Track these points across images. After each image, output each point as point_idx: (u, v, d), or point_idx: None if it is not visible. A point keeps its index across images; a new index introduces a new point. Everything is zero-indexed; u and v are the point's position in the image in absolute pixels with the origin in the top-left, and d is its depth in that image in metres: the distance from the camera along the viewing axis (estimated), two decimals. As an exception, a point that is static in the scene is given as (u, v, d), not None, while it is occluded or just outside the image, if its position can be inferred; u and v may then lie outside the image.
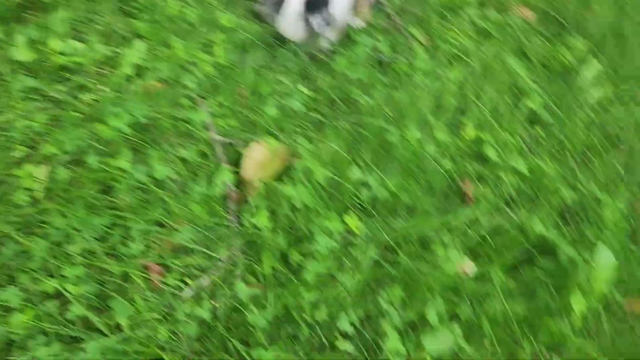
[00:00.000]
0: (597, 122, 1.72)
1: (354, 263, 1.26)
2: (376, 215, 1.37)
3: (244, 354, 1.13)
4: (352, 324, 1.19)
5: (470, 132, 1.61)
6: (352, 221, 1.33)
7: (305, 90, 1.62)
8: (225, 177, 1.37)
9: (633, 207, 1.53)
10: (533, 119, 1.72)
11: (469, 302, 1.26)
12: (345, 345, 1.18)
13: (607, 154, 1.64)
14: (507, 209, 1.43)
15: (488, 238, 1.36)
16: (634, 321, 1.35)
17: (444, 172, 1.51)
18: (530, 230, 1.37)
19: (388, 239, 1.32)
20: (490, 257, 1.33)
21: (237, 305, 1.19)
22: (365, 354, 1.17)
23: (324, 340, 1.18)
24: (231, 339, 1.14)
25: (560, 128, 1.69)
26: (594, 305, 1.25)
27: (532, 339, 1.23)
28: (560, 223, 1.44)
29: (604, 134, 1.71)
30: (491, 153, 1.57)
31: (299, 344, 1.17)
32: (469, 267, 1.30)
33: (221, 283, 1.23)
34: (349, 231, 1.32)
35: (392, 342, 1.16)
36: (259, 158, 1.40)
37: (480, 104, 1.68)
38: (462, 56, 1.80)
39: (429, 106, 1.65)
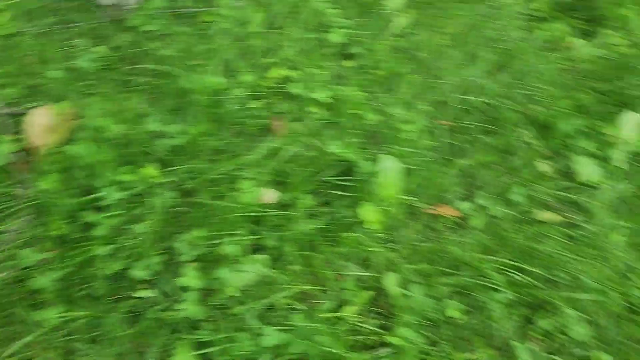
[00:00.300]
0: (402, 47, 1.81)
1: (151, 211, 1.26)
2: (176, 163, 1.36)
3: (28, 317, 1.10)
4: (151, 270, 1.19)
5: (277, 72, 1.64)
6: (150, 171, 1.31)
7: (101, 50, 1.57)
8: (6, 148, 1.30)
9: (434, 123, 1.64)
10: (343, 53, 1.77)
11: (273, 230, 1.30)
12: (145, 293, 1.17)
13: (411, 76, 1.73)
14: (312, 138, 1.48)
15: (292, 166, 1.40)
16: (436, 224, 1.45)
17: (252, 113, 1.53)
18: (332, 153, 1.43)
19: (188, 183, 1.33)
20: (294, 184, 1.37)
21: (25, 272, 1.15)
22: (167, 297, 1.18)
23: (123, 291, 1.17)
24: (15, 307, 1.10)
25: (368, 57, 1.76)
26: (387, 213, 1.33)
27: (335, 254, 1.30)
28: (363, 144, 1.51)
29: (409, 58, 1.80)
30: (297, 89, 1.60)
31: (95, 299, 1.15)
32: (271, 195, 1.33)
33: (8, 255, 1.18)
34: (146, 181, 1.30)
35: (190, 280, 1.17)
36: (44, 123, 1.34)
37: (286, 45, 1.71)
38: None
39: (234, 51, 1.66)
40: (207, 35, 1.66)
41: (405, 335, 1.21)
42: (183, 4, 1.75)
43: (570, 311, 1.31)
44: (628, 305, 1.39)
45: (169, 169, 1.35)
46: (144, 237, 1.22)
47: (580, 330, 1.30)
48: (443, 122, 1.65)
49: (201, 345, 1.13)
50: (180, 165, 1.35)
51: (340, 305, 1.26)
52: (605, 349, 1.32)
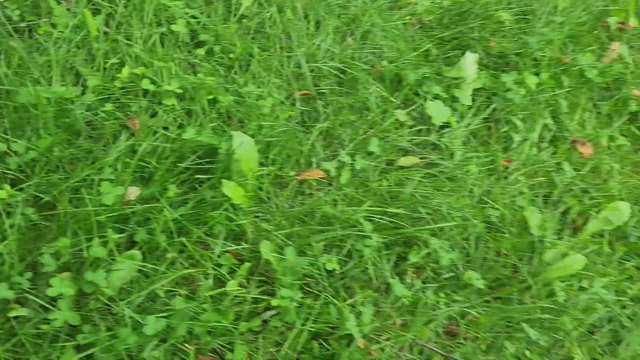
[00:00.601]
0: (250, 27, 1.90)
1: (6, 232, 1.27)
2: (29, 179, 1.38)
3: None
4: (17, 289, 1.20)
5: (127, 71, 1.67)
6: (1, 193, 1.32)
7: None
8: None
9: (290, 94, 1.75)
10: (192, 42, 1.83)
11: (141, 225, 1.35)
12: (17, 312, 1.19)
13: (263, 54, 1.83)
14: (169, 129, 1.54)
15: (152, 160, 1.45)
16: (305, 188, 1.57)
17: (105, 116, 1.56)
18: (190, 140, 1.50)
19: (45, 196, 1.35)
20: (157, 177, 1.43)
21: None
22: (41, 310, 1.21)
23: (-7, 316, 1.19)
24: None
25: (218, 42, 1.83)
26: (250, 187, 1.42)
27: (208, 235, 1.37)
28: (222, 126, 1.60)
29: (259, 37, 1.90)
30: (150, 85, 1.64)
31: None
32: (133, 193, 1.38)
33: None
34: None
35: (61, 289, 1.20)
36: None
37: (133, 43, 1.74)
38: (102, 2, 1.82)
39: (79, 58, 1.67)
40: (46, 47, 1.66)
41: (287, 295, 1.31)
42: (13, 20, 1.73)
43: (436, 241, 1.48)
44: (487, 224, 1.58)
45: (22, 186, 1.35)
46: (3, 258, 1.23)
47: (448, 257, 1.47)
48: (299, 92, 1.77)
49: (83, 348, 1.17)
50: (33, 181, 1.37)
51: (222, 281, 1.34)
52: (473, 268, 1.50)
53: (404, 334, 1.34)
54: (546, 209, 1.66)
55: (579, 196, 1.71)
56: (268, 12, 1.96)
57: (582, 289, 1.51)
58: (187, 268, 1.34)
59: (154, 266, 1.31)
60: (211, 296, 1.32)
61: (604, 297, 1.49)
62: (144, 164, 1.46)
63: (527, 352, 1.37)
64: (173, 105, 1.62)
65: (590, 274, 1.53)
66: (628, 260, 1.61)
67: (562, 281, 1.48)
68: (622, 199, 1.70)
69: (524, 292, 1.47)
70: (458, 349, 1.36)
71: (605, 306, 1.48)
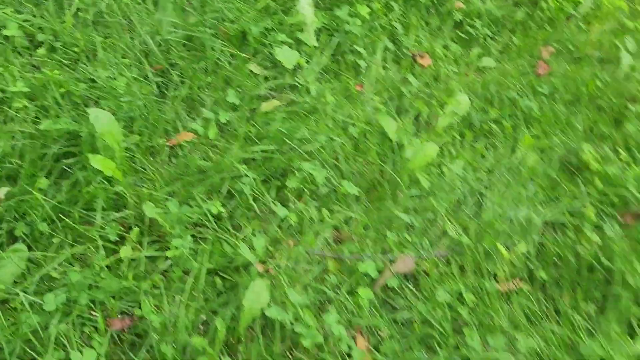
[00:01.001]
0: (88, 19, 1.93)
1: None
2: None
3: None
4: None
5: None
6: None
7: None
8: None
9: (144, 71, 1.82)
10: (30, 44, 1.84)
11: (18, 220, 1.38)
12: None
13: (107, 41, 1.88)
14: (24, 128, 1.57)
15: (13, 159, 1.48)
16: (178, 150, 1.66)
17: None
18: (48, 131, 1.54)
19: None
20: (23, 173, 1.46)
21: None
22: None
23: None
24: None
25: (57, 39, 1.85)
26: (119, 157, 1.49)
27: (90, 211, 1.43)
28: (80, 111, 1.64)
29: (99, 25, 1.94)
30: (-6, 92, 1.66)
31: None
32: (1, 192, 1.41)
33: None
34: None
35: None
36: None
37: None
38: None
39: None
40: None
41: (179, 244, 1.40)
42: None
43: (308, 164, 1.62)
44: (353, 141, 1.75)
45: None
46: None
47: (322, 175, 1.62)
48: (153, 67, 1.84)
49: (-13, 342, 1.20)
50: None
51: (116, 251, 1.41)
52: (346, 178, 1.66)
53: (297, 248, 1.48)
54: (400, 117, 1.86)
55: (426, 101, 1.93)
56: (103, 1, 2.00)
57: (442, 173, 1.72)
58: (76, 246, 1.39)
59: (42, 253, 1.35)
60: (108, 266, 1.38)
61: (462, 176, 1.71)
62: (7, 165, 1.49)
63: (407, 236, 1.56)
64: (25, 105, 1.64)
65: (447, 160, 1.75)
66: (477, 142, 1.86)
67: (424, 171, 1.68)
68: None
69: (394, 188, 1.66)
70: (347, 249, 1.52)
71: (465, 182, 1.71)
